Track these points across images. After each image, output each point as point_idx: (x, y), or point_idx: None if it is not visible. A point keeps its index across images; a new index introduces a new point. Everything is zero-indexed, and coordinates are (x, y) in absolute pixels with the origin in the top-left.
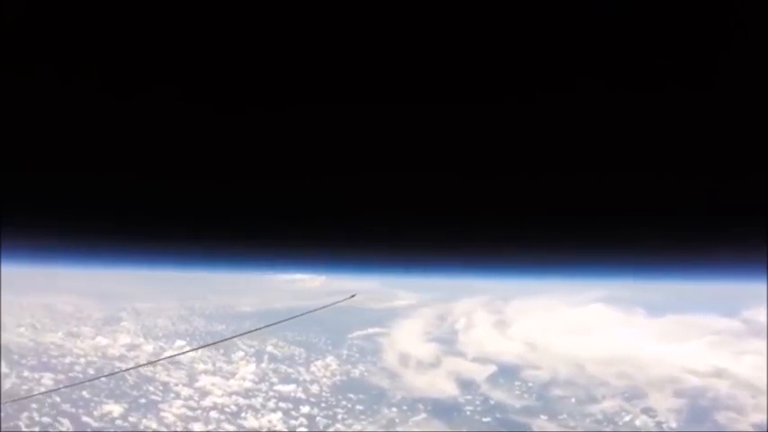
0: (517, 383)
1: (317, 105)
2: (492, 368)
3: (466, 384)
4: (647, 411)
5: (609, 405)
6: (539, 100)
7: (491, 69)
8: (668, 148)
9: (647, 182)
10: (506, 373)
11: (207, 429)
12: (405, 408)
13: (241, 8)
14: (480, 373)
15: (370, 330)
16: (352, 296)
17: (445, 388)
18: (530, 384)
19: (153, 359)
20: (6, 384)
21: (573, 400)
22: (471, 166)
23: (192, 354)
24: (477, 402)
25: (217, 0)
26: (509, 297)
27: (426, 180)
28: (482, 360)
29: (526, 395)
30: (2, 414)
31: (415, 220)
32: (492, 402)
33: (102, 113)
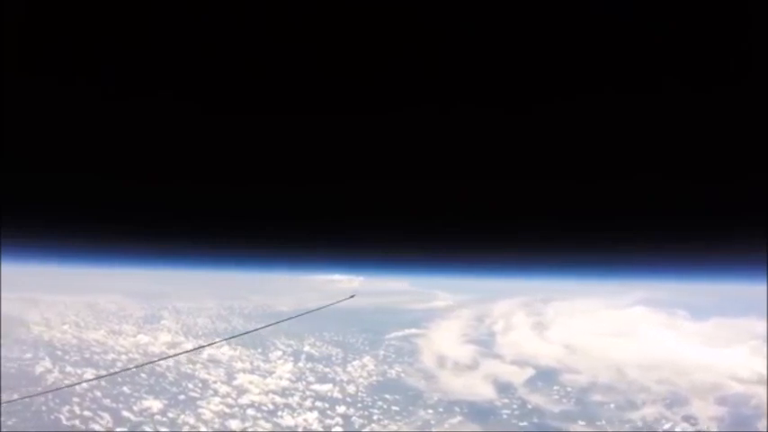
0: (555, 387)
1: (336, 114)
2: (530, 371)
3: (503, 387)
4: (688, 419)
5: (649, 412)
6: (545, 107)
7: (497, 75)
8: (670, 149)
9: (647, 183)
10: (545, 376)
11: (244, 426)
12: (441, 410)
13: (244, 17)
14: (518, 376)
15: (408, 331)
16: (352, 296)
17: (482, 391)
18: (568, 389)
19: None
20: (50, 379)
21: (612, 405)
22: (484, 171)
23: (230, 352)
24: (515, 406)
25: (220, 8)
26: (548, 298)
27: (447, 185)
28: (520, 363)
29: (564, 400)
30: (39, 407)
31: (437, 222)
32: (529, 406)
33: (114, 116)
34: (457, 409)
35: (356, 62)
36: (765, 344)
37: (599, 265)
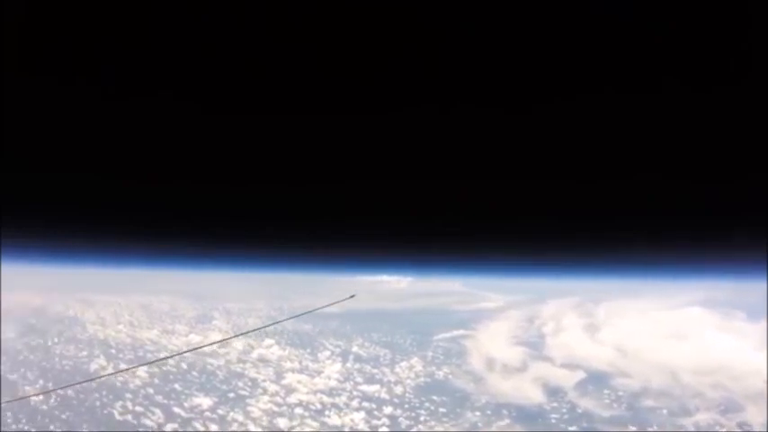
0: (606, 391)
1: (340, 114)
2: (581, 374)
3: (553, 391)
4: (743, 425)
5: (702, 418)
6: (545, 107)
7: (497, 75)
8: (670, 149)
9: (647, 183)
10: (596, 380)
11: (291, 425)
12: (488, 412)
13: (244, 17)
14: (568, 379)
15: (456, 332)
16: (352, 296)
17: (531, 394)
18: (620, 393)
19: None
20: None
21: (665, 411)
22: (484, 171)
23: (279, 352)
24: (564, 410)
25: (220, 8)
26: (600, 299)
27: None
28: (570, 366)
29: (615, 404)
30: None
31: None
32: (579, 411)
33: (114, 116)
34: (505, 412)
35: (356, 62)
36: None
37: (599, 265)
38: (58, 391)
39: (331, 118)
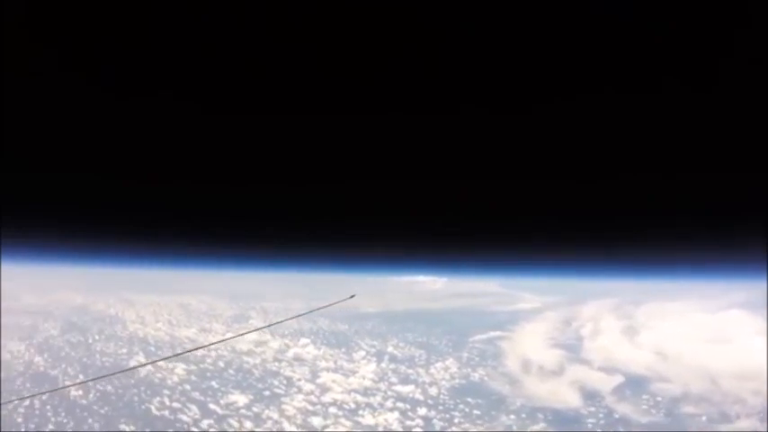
0: (645, 397)
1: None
2: (619, 379)
3: (590, 395)
4: None
5: (743, 425)
6: (545, 107)
7: (497, 75)
8: (670, 149)
9: (647, 183)
10: (634, 384)
11: (325, 424)
12: (523, 416)
13: (244, 17)
14: (606, 383)
15: (492, 334)
16: (352, 296)
17: (567, 398)
18: (658, 398)
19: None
20: (142, 372)
21: (704, 418)
22: (484, 171)
23: (315, 351)
24: (601, 415)
25: (220, 9)
26: (640, 300)
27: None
28: (608, 369)
29: (653, 410)
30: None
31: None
32: (616, 416)
33: (114, 116)
34: (540, 415)
35: (356, 63)
36: None
37: (598, 265)
38: (98, 386)
39: (331, 118)
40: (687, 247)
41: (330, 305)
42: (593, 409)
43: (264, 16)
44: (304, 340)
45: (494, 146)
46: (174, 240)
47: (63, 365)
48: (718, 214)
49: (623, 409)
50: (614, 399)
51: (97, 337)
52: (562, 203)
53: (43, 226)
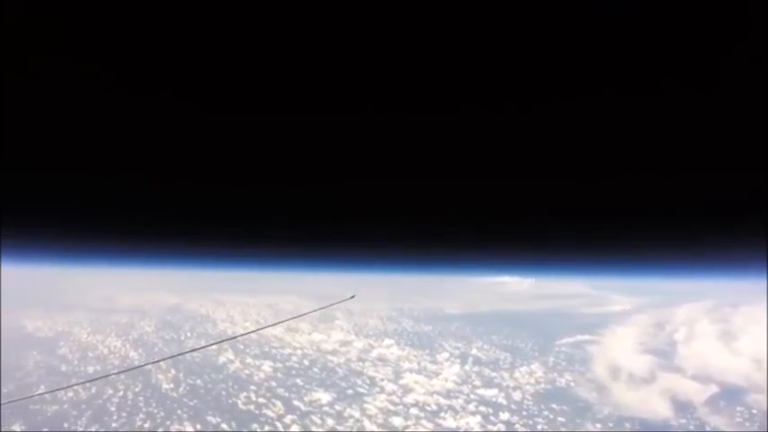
0: (739, 409)
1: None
2: (712, 389)
3: (681, 405)
4: None
5: None
6: (545, 107)
7: (497, 75)
8: (670, 149)
9: (647, 183)
10: (729, 395)
11: (406, 424)
12: (610, 425)
13: (244, 17)
14: (699, 393)
15: (580, 337)
16: (352, 297)
17: (657, 407)
18: (753, 411)
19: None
20: (231, 368)
21: None
22: (484, 171)
23: (398, 352)
24: (692, 427)
25: (220, 8)
26: (738, 302)
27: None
28: (702, 378)
29: (748, 423)
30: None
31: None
32: (707, 429)
33: (114, 116)
34: (628, 425)
35: (356, 63)
36: None
37: (598, 264)
38: (188, 380)
39: (331, 118)
40: (687, 247)
41: (329, 305)
42: (683, 420)
43: (264, 16)
44: (388, 341)
45: (494, 146)
46: (171, 240)
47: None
48: (718, 214)
49: (716, 421)
50: (707, 410)
51: (189, 335)
52: (561, 204)
53: (43, 226)
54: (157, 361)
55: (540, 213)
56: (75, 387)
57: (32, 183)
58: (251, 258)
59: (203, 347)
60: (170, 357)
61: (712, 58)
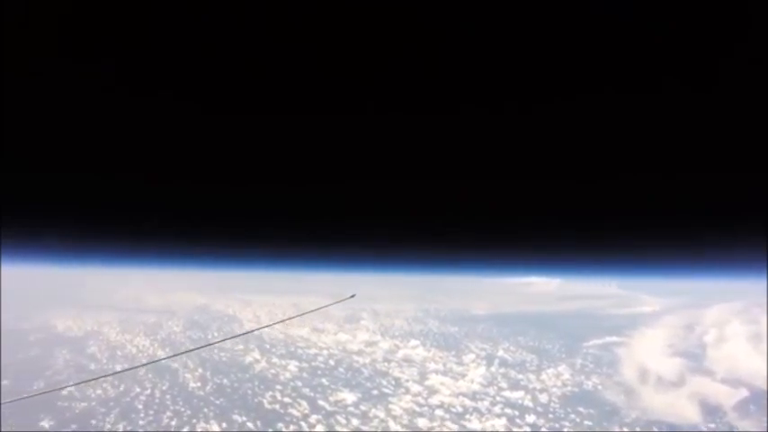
0: None
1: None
2: (743, 392)
3: (710, 409)
4: None
5: None
6: (545, 107)
7: (497, 75)
8: (670, 149)
9: (647, 183)
10: (759, 399)
11: (431, 426)
12: (637, 429)
13: (244, 17)
14: (729, 397)
15: (608, 339)
16: (352, 296)
17: (686, 411)
18: None
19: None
20: (257, 368)
21: None
22: (484, 171)
23: (424, 353)
24: None
25: (220, 8)
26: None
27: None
28: (732, 382)
29: None
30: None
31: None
32: None
33: (114, 116)
34: (655, 429)
35: (356, 63)
36: None
37: (598, 264)
38: (215, 380)
39: (331, 118)
40: (686, 247)
41: (328, 305)
42: (712, 425)
43: (263, 16)
44: (414, 341)
45: (494, 146)
46: (171, 240)
47: (183, 359)
48: (718, 214)
49: (745, 426)
50: (737, 415)
51: (216, 334)
52: (561, 203)
53: (43, 226)
54: (155, 361)
55: (540, 213)
56: (104, 385)
57: (32, 183)
58: (250, 258)
59: (198, 349)
60: (172, 357)
61: (712, 58)
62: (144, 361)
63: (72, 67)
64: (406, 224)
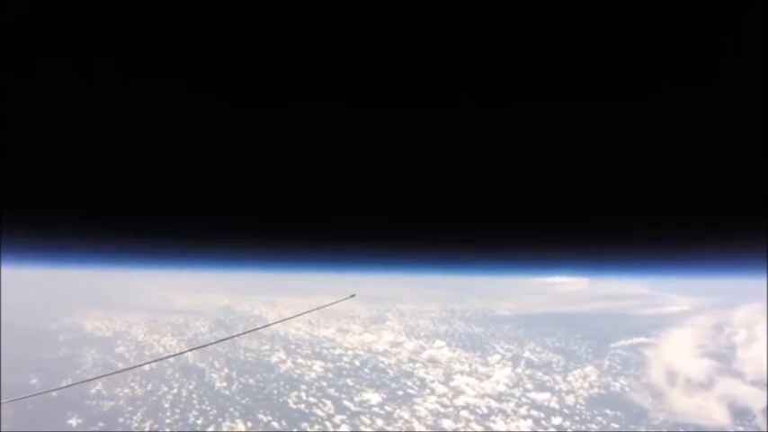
0: None
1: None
2: None
3: (739, 412)
4: None
5: None
6: (545, 107)
7: (497, 75)
8: (670, 149)
9: (647, 182)
10: None
11: (456, 427)
12: None
13: (245, 12)
14: (757, 399)
15: (636, 340)
16: (352, 296)
17: (715, 414)
18: None
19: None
20: (282, 368)
21: None
22: (484, 171)
23: (449, 354)
24: None
25: (221, 3)
26: None
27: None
28: (761, 384)
29: None
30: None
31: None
32: None
33: (114, 116)
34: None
35: (356, 62)
36: None
37: (598, 264)
38: (241, 379)
39: (331, 118)
40: (687, 247)
41: (328, 305)
42: (741, 428)
43: (263, 16)
44: (439, 342)
45: (494, 146)
46: (173, 240)
47: (210, 359)
48: (718, 214)
49: None
50: (765, 418)
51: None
52: (560, 203)
53: (43, 226)
54: (164, 358)
55: (540, 213)
56: (131, 384)
57: (32, 183)
58: (250, 258)
59: (208, 345)
60: (185, 352)
61: (712, 58)
62: (170, 360)
63: (72, 66)
64: (430, 224)
